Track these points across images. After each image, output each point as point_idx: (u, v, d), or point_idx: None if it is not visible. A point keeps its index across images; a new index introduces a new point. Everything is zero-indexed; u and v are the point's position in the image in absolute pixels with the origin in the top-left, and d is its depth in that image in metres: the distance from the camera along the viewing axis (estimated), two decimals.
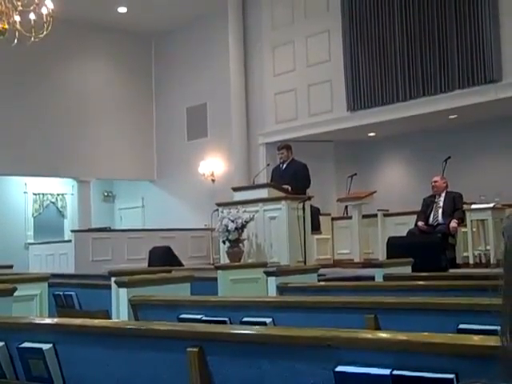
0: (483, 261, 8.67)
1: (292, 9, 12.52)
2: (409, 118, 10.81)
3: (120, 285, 3.49)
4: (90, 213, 14.63)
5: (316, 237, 9.55)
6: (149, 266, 9.52)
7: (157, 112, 15.53)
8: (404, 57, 10.70)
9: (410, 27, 10.63)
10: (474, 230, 8.74)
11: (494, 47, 9.62)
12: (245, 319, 3.03)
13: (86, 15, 13.81)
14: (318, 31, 12.06)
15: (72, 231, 12.31)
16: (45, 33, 8.10)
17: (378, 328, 2.80)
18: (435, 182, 8.96)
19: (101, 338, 2.33)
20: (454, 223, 8.51)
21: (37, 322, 2.72)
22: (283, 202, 8.21)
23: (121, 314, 3.47)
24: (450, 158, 9.77)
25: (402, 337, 1.72)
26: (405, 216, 9.93)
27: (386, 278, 4.56)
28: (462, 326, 2.54)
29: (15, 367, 2.50)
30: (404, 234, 8.83)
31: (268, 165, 10.41)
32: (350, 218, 10.46)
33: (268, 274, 4.26)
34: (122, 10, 13.91)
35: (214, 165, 13.97)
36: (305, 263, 7.80)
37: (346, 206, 11.22)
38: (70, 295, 5.02)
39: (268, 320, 2.99)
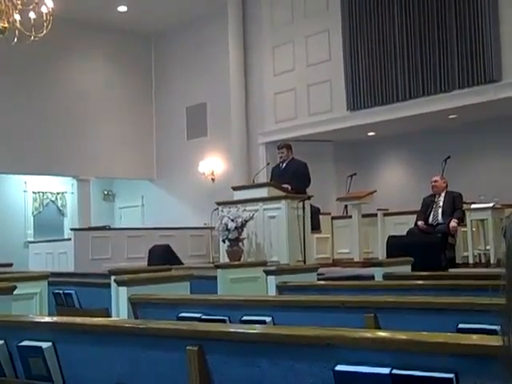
0: (483, 260, 8.68)
1: (292, 8, 12.51)
2: (408, 117, 10.81)
3: (120, 283, 3.49)
4: (89, 211, 14.63)
5: (316, 236, 9.56)
6: (148, 264, 9.51)
7: (156, 111, 15.53)
8: (404, 57, 10.70)
9: (409, 27, 10.63)
10: (474, 229, 8.75)
11: (493, 47, 9.63)
12: (244, 318, 3.04)
13: (86, 14, 13.81)
14: (317, 31, 12.05)
15: (72, 230, 12.30)
16: (44, 32, 8.09)
17: (377, 327, 2.81)
18: (435, 181, 8.96)
19: (100, 336, 2.33)
20: (453, 223, 8.52)
21: (36, 320, 2.72)
22: (283, 202, 8.21)
23: (120, 312, 3.47)
24: (449, 157, 9.77)
25: (401, 336, 1.72)
26: (404, 215, 9.93)
27: (386, 277, 4.56)
28: (461, 326, 2.54)
29: (15, 366, 2.50)
30: (404, 233, 8.84)
31: (268, 164, 10.40)
32: (350, 217, 10.46)
33: (268, 272, 4.26)
34: (122, 9, 13.91)
35: (213, 164, 13.98)
36: (304, 262, 7.80)
37: (346, 206, 11.22)
38: (70, 294, 5.02)
39: (267, 319, 2.99)
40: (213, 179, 13.83)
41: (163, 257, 9.42)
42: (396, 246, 7.87)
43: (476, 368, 1.52)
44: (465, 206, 8.81)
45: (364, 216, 10.31)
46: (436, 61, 10.31)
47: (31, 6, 8.01)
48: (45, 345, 2.39)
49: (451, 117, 10.88)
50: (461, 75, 10.01)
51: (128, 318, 3.31)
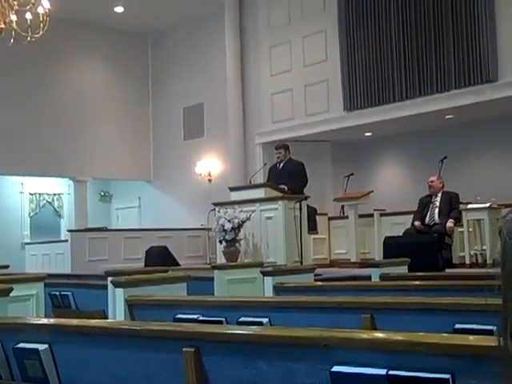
0: (479, 261, 8.69)
1: (288, 9, 12.52)
2: (405, 117, 10.82)
3: (116, 285, 3.49)
4: (86, 213, 14.62)
5: (312, 237, 9.55)
6: (145, 265, 9.49)
7: (153, 112, 15.52)
8: (400, 57, 10.71)
9: (406, 27, 10.64)
10: (471, 229, 8.76)
11: (490, 47, 9.64)
12: (241, 319, 3.03)
13: (83, 15, 13.80)
14: (314, 31, 12.05)
15: (68, 231, 12.29)
16: (41, 32, 8.09)
17: (374, 328, 2.81)
18: (431, 181, 8.97)
19: (97, 338, 2.33)
20: (450, 223, 8.53)
21: (33, 322, 2.71)
22: (280, 202, 8.20)
23: (117, 314, 3.47)
24: (446, 157, 9.78)
25: (398, 337, 1.72)
26: (401, 216, 9.94)
27: (383, 277, 4.57)
28: (458, 326, 2.54)
29: (11, 368, 2.50)
30: (400, 233, 8.84)
31: (265, 164, 10.39)
32: (347, 217, 10.47)
33: (264, 273, 4.26)
34: (119, 9, 13.90)
35: (210, 165, 13.97)
36: (301, 263, 7.80)
37: (343, 206, 11.22)
38: (67, 295, 5.01)
39: (264, 320, 2.99)
40: (210, 180, 13.82)
41: (160, 258, 9.41)
42: (393, 247, 7.87)
43: (472, 368, 1.52)
44: (461, 206, 8.81)
45: (361, 216, 10.31)
46: (433, 61, 10.32)
47: (28, 7, 8.00)
48: (41, 347, 2.38)
49: (448, 117, 10.89)
50: (457, 75, 10.03)
51: (125, 320, 3.31)
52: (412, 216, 9.05)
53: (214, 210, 9.01)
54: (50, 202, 15.60)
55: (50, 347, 2.38)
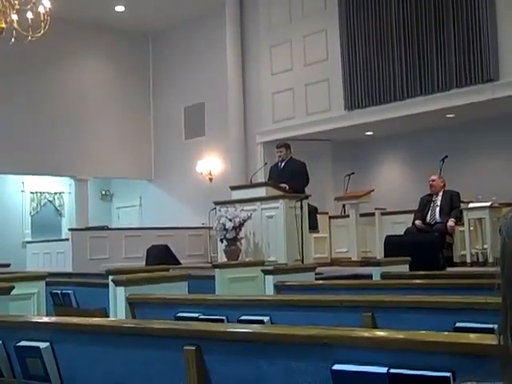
0: (480, 259, 8.68)
1: (289, 8, 12.51)
2: (406, 116, 10.81)
3: (117, 283, 3.49)
4: (87, 211, 14.62)
5: (313, 235, 9.55)
6: (146, 264, 9.51)
7: (154, 111, 15.52)
8: (401, 56, 10.70)
9: (407, 26, 10.63)
10: (472, 228, 8.75)
11: (491, 46, 9.63)
12: (242, 318, 3.04)
13: (84, 14, 13.80)
14: (315, 30, 12.05)
15: (69, 230, 12.29)
16: (42, 32, 8.09)
17: (375, 326, 2.81)
18: (432, 180, 8.97)
19: (98, 336, 2.33)
20: (451, 222, 8.53)
21: (34, 320, 2.72)
22: (281, 201, 8.21)
23: (118, 312, 3.47)
24: (447, 157, 9.78)
25: (399, 335, 1.72)
26: (402, 215, 9.93)
27: (384, 276, 4.57)
28: (459, 325, 2.55)
29: (12, 366, 2.50)
30: (401, 232, 8.84)
31: (266, 163, 10.39)
32: (348, 216, 10.46)
33: (265, 272, 4.27)
34: (120, 8, 13.89)
35: (211, 164, 13.97)
36: (302, 262, 7.81)
37: (344, 205, 11.22)
38: (68, 294, 5.02)
39: (265, 318, 2.99)
40: (210, 179, 13.83)
41: (161, 257, 9.42)
42: (394, 245, 7.88)
43: (473, 367, 1.53)
44: (462, 205, 8.81)
45: (362, 215, 10.31)
46: (433, 60, 10.31)
47: (29, 6, 8.00)
48: (42, 345, 2.38)
49: (449, 116, 10.89)
50: (458, 74, 10.02)
51: (126, 318, 3.31)
52: (413, 215, 9.05)
53: (215, 208, 9.02)
54: (50, 201, 15.60)
55: (51, 345, 2.39)
